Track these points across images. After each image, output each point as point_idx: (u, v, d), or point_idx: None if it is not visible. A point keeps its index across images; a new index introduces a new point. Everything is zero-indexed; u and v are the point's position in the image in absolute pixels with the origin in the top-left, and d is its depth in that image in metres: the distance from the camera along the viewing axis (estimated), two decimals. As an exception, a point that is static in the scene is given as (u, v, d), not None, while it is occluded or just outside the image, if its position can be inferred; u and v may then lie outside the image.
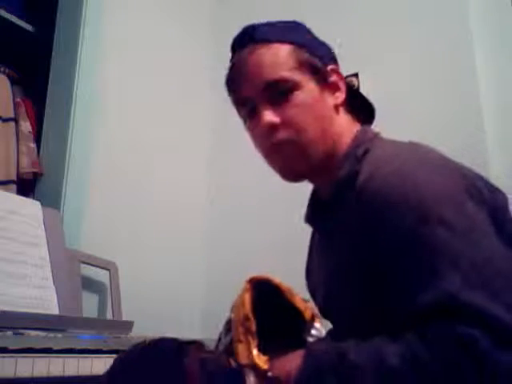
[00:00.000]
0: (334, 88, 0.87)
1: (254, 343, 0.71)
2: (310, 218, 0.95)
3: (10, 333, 0.93)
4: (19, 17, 1.96)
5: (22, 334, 0.94)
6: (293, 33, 0.88)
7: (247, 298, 0.74)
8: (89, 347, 0.93)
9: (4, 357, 0.78)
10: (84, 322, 1.29)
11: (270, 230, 1.87)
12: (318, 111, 0.84)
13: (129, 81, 1.89)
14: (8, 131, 1.80)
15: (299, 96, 0.83)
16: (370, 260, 0.72)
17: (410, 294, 0.65)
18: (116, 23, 1.89)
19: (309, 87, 0.84)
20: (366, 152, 0.80)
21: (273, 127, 0.82)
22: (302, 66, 0.84)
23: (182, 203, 1.99)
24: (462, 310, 0.60)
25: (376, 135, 0.86)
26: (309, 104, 0.83)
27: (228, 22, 2.22)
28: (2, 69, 1.92)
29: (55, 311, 1.22)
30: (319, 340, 0.77)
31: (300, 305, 0.76)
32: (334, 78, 0.87)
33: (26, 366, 0.80)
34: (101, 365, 0.91)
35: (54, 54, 1.82)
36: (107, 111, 1.79)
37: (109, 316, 1.59)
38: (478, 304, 0.60)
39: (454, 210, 0.67)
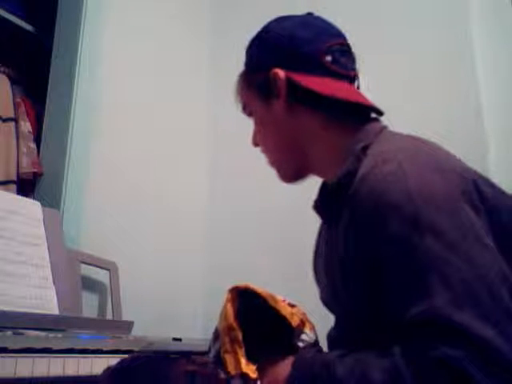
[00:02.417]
0: (277, 93, 0.87)
1: (241, 352, 0.70)
2: (318, 206, 0.95)
3: (9, 333, 0.92)
4: (19, 17, 1.97)
5: (22, 334, 0.94)
6: (251, 48, 0.93)
7: (229, 307, 0.73)
8: (89, 347, 0.93)
9: (4, 357, 0.78)
10: (84, 322, 1.28)
11: (270, 231, 1.87)
12: (270, 128, 0.91)
13: (129, 81, 1.89)
14: (8, 131, 1.80)
15: (255, 119, 0.93)
16: (360, 262, 0.71)
17: (398, 306, 0.63)
18: (116, 23, 1.88)
19: (257, 108, 0.91)
20: (365, 148, 0.79)
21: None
22: (250, 87, 0.91)
23: (182, 203, 1.99)
24: (448, 329, 0.58)
25: (381, 130, 0.84)
26: (261, 125, 0.92)
27: (228, 22, 2.23)
28: (2, 69, 1.93)
29: (55, 311, 1.22)
30: (308, 347, 0.75)
31: (285, 311, 0.75)
32: (276, 83, 0.86)
33: (26, 366, 0.80)
34: (101, 365, 0.91)
35: (53, 53, 1.81)
36: (107, 111, 1.79)
37: (109, 316, 1.59)
38: (465, 325, 0.57)
39: (448, 219, 0.64)
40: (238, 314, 0.73)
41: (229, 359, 0.71)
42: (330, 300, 0.89)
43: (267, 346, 0.75)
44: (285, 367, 0.70)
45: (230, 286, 0.76)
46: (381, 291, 0.67)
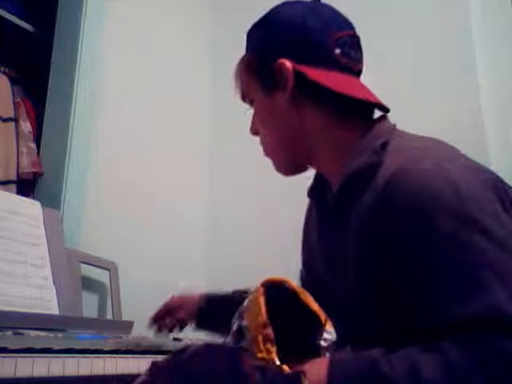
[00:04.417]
0: (284, 85, 0.83)
1: (273, 352, 0.65)
2: (314, 195, 0.93)
3: (9, 333, 0.92)
4: (19, 17, 1.97)
5: (22, 334, 0.94)
6: (254, 35, 0.89)
7: (262, 303, 0.68)
8: (89, 347, 0.92)
9: (4, 357, 0.78)
10: (84, 322, 1.28)
11: (271, 230, 1.87)
12: (271, 120, 0.88)
13: (129, 81, 1.89)
14: (8, 131, 1.80)
15: (256, 108, 0.90)
16: (387, 257, 0.69)
17: (448, 303, 0.62)
18: (116, 23, 1.88)
19: (259, 97, 0.88)
20: (385, 144, 0.77)
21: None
22: (253, 75, 0.88)
23: (182, 203, 1.99)
24: (509, 324, 0.58)
25: (393, 129, 0.83)
26: (262, 116, 0.89)
27: (229, 21, 2.23)
28: (2, 69, 1.93)
29: (55, 311, 1.22)
30: (332, 347, 0.70)
31: (315, 308, 0.71)
32: (282, 74, 0.83)
33: (26, 366, 0.80)
34: (101, 365, 0.90)
35: (53, 53, 1.81)
36: (107, 111, 1.79)
37: (109, 316, 1.59)
38: None
39: (493, 218, 0.65)
40: (267, 310, 0.68)
41: (262, 359, 0.65)
42: (326, 299, 0.87)
43: (290, 344, 0.69)
44: (318, 369, 0.64)
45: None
46: (407, 289, 0.66)
